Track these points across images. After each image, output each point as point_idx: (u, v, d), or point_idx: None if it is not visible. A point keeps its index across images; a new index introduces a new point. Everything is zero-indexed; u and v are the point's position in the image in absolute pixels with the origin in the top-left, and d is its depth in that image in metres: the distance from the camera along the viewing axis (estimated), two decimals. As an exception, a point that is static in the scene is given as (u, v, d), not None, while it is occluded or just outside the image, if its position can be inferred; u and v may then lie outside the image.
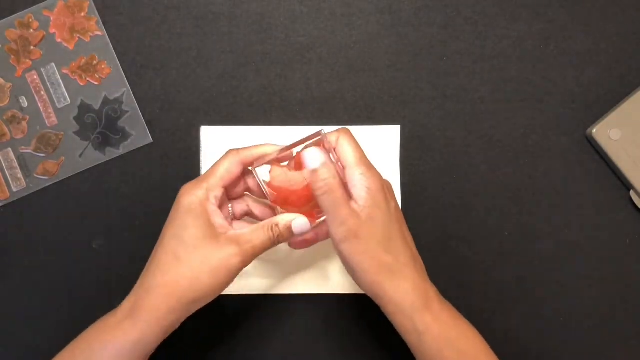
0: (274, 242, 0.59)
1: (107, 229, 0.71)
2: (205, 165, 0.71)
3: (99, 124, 0.71)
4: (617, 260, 0.71)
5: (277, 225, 0.59)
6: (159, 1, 0.72)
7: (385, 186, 0.60)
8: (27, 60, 0.70)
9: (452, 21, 0.72)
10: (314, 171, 0.58)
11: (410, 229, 0.71)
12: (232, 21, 0.72)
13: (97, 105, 0.71)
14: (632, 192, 0.70)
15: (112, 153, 0.71)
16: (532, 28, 0.72)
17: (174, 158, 0.71)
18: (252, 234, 0.59)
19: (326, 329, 0.71)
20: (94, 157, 0.71)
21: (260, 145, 0.62)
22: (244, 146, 0.62)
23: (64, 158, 0.70)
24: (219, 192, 0.60)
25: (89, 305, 0.69)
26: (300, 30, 0.72)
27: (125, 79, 0.71)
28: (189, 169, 0.71)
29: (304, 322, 0.71)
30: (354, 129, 0.71)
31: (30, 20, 0.70)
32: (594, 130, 0.69)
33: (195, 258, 0.57)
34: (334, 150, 0.60)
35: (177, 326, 0.58)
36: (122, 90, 0.71)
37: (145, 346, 0.56)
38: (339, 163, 0.60)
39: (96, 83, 0.71)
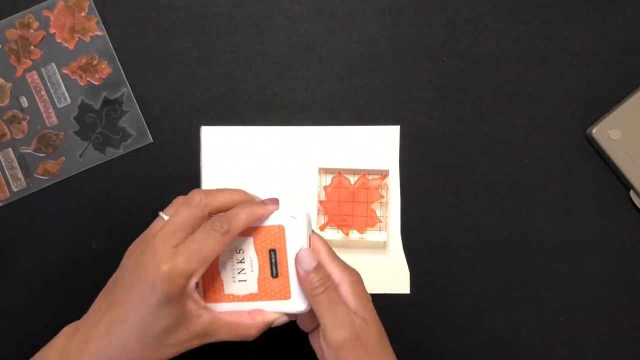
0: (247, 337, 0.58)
1: (107, 229, 0.71)
2: (205, 165, 0.71)
3: (99, 124, 0.71)
4: (617, 260, 0.71)
5: (254, 323, 0.58)
6: (159, 1, 0.72)
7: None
8: (28, 60, 0.70)
9: (452, 21, 0.72)
10: (309, 272, 0.57)
11: (411, 229, 0.71)
12: (232, 21, 0.72)
13: (97, 105, 0.71)
14: (632, 192, 0.70)
15: (112, 153, 0.71)
16: (532, 28, 0.72)
17: (174, 158, 0.71)
18: (227, 329, 0.57)
19: None
20: (94, 157, 0.71)
21: (238, 209, 0.58)
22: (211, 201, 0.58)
23: (64, 158, 0.70)
24: (199, 275, 0.55)
25: (89, 305, 0.69)
26: (300, 30, 0.72)
27: (125, 79, 0.71)
28: (189, 169, 0.71)
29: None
30: (354, 129, 0.71)
31: (31, 20, 0.70)
32: (594, 130, 0.69)
33: (158, 343, 0.54)
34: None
35: None
36: (122, 90, 0.71)
37: None
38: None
39: (96, 83, 0.71)
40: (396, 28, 0.72)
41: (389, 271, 0.70)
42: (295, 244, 0.58)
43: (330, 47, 0.72)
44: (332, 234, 0.70)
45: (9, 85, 0.70)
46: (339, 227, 0.70)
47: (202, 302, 0.57)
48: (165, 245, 0.54)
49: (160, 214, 0.58)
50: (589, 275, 0.71)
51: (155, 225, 0.58)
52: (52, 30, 0.71)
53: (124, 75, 0.71)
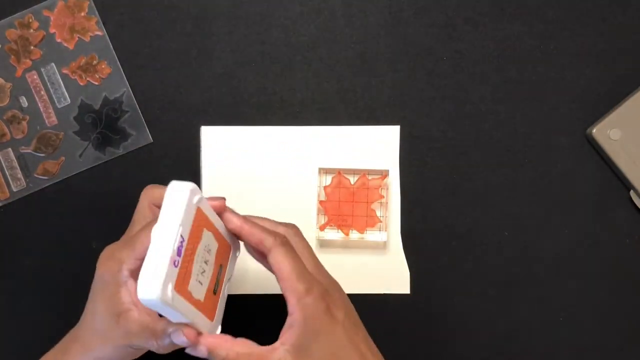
0: (158, 348, 0.54)
1: (107, 229, 0.71)
2: (205, 165, 0.71)
3: (99, 123, 0.71)
4: (617, 260, 0.71)
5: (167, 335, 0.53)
6: (159, 1, 0.72)
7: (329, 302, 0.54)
8: (27, 60, 0.70)
9: (452, 21, 0.72)
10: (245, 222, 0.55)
11: (411, 229, 0.71)
12: (232, 21, 0.72)
13: (97, 105, 0.71)
14: (632, 192, 0.70)
15: (112, 153, 0.71)
16: (532, 28, 0.72)
17: (174, 158, 0.71)
18: (141, 331, 0.54)
19: None
20: (94, 157, 0.71)
21: None
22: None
23: (64, 158, 0.70)
24: (132, 265, 0.54)
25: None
26: (300, 30, 0.72)
27: (125, 79, 0.71)
28: (189, 169, 0.71)
29: None
30: (354, 129, 0.71)
31: (30, 20, 0.70)
32: (594, 130, 0.69)
33: (103, 329, 0.55)
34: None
35: None
36: (122, 90, 0.71)
37: None
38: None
39: (96, 83, 0.71)
40: (396, 28, 0.72)
41: (389, 271, 0.70)
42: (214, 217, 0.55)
43: (330, 47, 0.72)
44: (332, 234, 0.70)
45: (8, 85, 0.70)
46: (339, 227, 0.70)
47: (135, 296, 0.54)
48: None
49: None
50: (589, 275, 0.71)
51: None
52: (52, 30, 0.71)
53: (123, 75, 0.71)
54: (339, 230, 0.70)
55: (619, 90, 0.71)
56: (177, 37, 0.72)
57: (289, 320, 0.53)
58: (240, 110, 0.72)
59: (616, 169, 0.70)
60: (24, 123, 0.70)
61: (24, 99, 0.70)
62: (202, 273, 0.53)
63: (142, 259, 0.51)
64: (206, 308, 0.54)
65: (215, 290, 0.55)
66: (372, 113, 0.72)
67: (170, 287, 0.48)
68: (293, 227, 0.58)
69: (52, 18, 0.71)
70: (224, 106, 0.71)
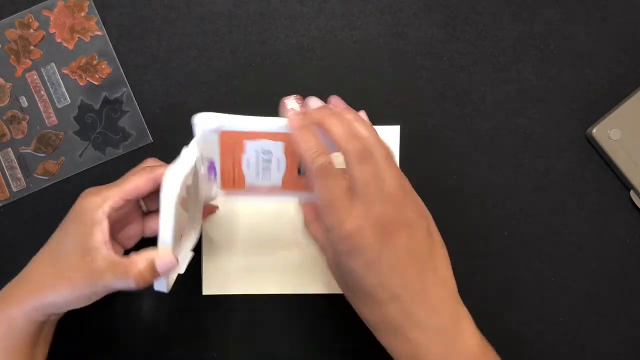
0: (132, 284, 0.56)
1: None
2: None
3: (99, 124, 0.71)
4: (617, 260, 0.71)
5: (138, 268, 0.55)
6: (159, 1, 0.72)
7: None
8: (27, 60, 0.70)
9: (452, 21, 0.72)
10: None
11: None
12: (232, 21, 0.72)
13: (97, 105, 0.71)
14: (632, 192, 0.70)
15: (112, 153, 0.71)
16: (532, 28, 0.72)
17: (174, 158, 0.71)
18: (112, 267, 0.55)
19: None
20: (94, 157, 0.71)
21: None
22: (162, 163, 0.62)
23: (64, 158, 0.70)
24: (116, 203, 0.56)
25: (89, 305, 0.69)
26: (300, 30, 0.72)
27: (125, 79, 0.71)
28: (189, 169, 0.71)
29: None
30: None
31: (30, 20, 0.70)
32: (594, 130, 0.69)
33: (64, 267, 0.56)
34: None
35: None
36: (122, 90, 0.71)
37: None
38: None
39: (96, 83, 0.71)
40: (396, 28, 0.72)
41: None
42: None
43: (330, 47, 0.72)
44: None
45: (8, 85, 0.70)
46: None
47: (107, 236, 0.56)
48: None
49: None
50: (589, 275, 0.71)
51: None
52: (51, 30, 0.71)
53: (123, 75, 0.71)
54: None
55: (619, 90, 0.71)
56: (177, 37, 0.72)
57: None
58: (240, 110, 0.71)
59: (616, 169, 0.70)
60: (24, 123, 0.70)
61: (24, 99, 0.70)
62: (264, 169, 0.60)
63: (129, 200, 0.55)
64: (295, 186, 0.61)
65: (300, 173, 0.60)
66: (372, 113, 0.71)
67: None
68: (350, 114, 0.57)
69: (52, 18, 0.71)
70: (224, 106, 0.71)
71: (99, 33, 0.71)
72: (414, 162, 0.71)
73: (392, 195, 0.52)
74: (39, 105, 0.70)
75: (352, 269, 0.52)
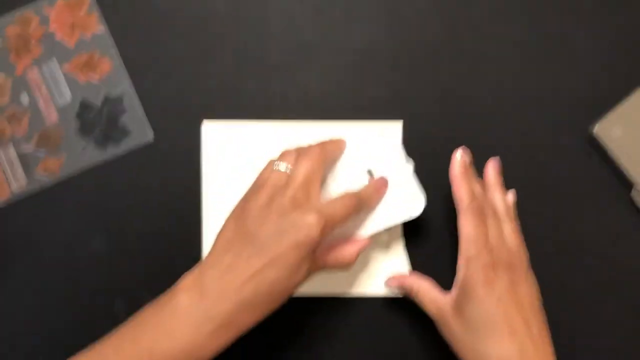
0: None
1: (107, 229, 0.70)
2: (206, 163, 0.70)
3: (99, 121, 0.70)
4: (618, 260, 0.71)
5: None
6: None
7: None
8: (28, 57, 0.70)
9: (452, 21, 0.72)
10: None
11: (411, 229, 0.71)
12: (233, 21, 0.72)
13: (98, 103, 0.70)
14: (633, 191, 0.70)
15: (113, 151, 0.70)
16: (532, 28, 0.72)
17: (175, 156, 0.71)
18: (333, 255, 0.61)
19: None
20: (95, 155, 0.70)
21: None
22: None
23: (64, 156, 0.70)
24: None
25: (89, 305, 0.69)
26: (300, 30, 0.72)
27: (126, 76, 0.71)
28: (191, 167, 0.71)
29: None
30: (357, 125, 0.71)
31: (31, 16, 0.70)
32: (596, 128, 0.70)
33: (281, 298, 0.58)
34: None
35: None
36: (124, 88, 0.71)
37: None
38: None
39: (97, 81, 0.70)
40: (396, 28, 0.72)
41: (389, 271, 0.70)
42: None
43: (330, 47, 0.72)
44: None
45: (9, 82, 0.70)
46: (342, 225, 0.70)
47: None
48: (307, 197, 0.58)
49: (276, 162, 0.61)
50: (589, 275, 0.71)
51: (271, 176, 0.60)
52: (52, 27, 0.70)
53: (125, 73, 0.71)
54: (342, 229, 0.70)
55: (620, 88, 0.71)
56: (179, 36, 0.72)
57: (456, 276, 0.61)
58: (240, 110, 0.72)
59: (618, 167, 0.70)
60: (25, 120, 0.70)
61: (25, 96, 0.70)
62: None
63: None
64: None
65: None
66: (372, 113, 0.72)
67: None
68: (497, 189, 0.66)
69: (52, 15, 0.70)
70: (225, 106, 0.71)
71: (100, 30, 0.71)
72: (415, 162, 0.71)
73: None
74: (40, 102, 0.70)
75: (482, 300, 0.59)
